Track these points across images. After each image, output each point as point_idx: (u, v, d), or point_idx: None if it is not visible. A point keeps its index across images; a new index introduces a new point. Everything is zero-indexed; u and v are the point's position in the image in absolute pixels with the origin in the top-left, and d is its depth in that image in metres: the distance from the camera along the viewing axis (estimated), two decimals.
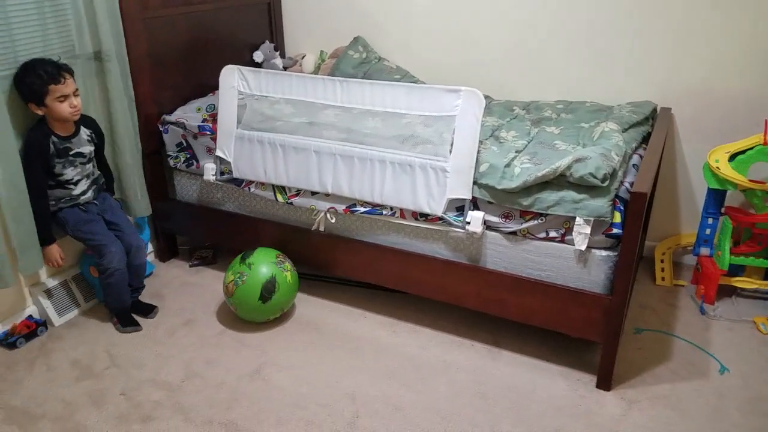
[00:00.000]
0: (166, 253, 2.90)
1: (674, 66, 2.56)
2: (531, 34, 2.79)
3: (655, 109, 2.54)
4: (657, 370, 2.13)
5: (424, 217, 2.19)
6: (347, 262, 2.42)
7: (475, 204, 2.11)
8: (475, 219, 2.08)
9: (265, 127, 2.39)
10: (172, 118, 2.62)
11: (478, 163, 2.07)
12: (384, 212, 2.25)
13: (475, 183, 2.07)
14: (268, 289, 2.26)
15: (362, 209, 2.29)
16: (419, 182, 2.13)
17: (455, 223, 2.12)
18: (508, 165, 2.05)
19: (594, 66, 2.72)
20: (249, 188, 2.50)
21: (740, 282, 2.48)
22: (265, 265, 2.30)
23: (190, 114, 2.63)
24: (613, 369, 2.00)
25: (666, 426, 1.88)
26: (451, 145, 2.08)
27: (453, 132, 2.08)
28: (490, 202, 2.07)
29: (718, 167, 2.32)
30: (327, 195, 2.35)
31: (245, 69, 2.43)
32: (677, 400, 1.99)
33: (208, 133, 2.54)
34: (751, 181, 2.30)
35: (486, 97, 2.80)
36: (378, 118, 2.26)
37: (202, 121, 2.57)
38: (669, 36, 2.53)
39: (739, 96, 2.47)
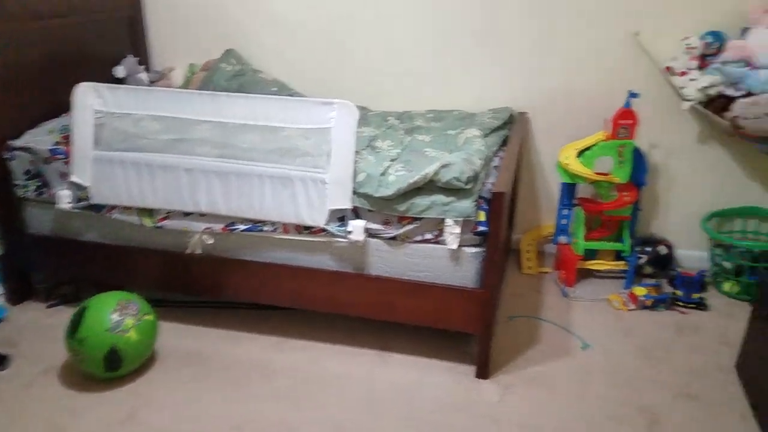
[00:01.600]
0: (19, 294, 2.65)
1: (528, 74, 2.85)
2: (403, 47, 2.96)
3: (512, 114, 2.82)
4: (529, 353, 2.37)
5: (307, 229, 2.25)
6: (230, 283, 2.41)
7: (356, 213, 2.21)
8: (357, 228, 2.18)
9: (128, 146, 2.31)
10: (18, 143, 2.43)
11: (355, 173, 2.17)
12: (265, 228, 2.28)
13: (354, 192, 2.17)
14: (112, 361, 2.08)
15: (242, 227, 2.30)
16: (300, 195, 2.20)
17: (338, 233, 2.21)
18: (383, 173, 2.17)
19: (459, 76, 2.94)
20: (111, 214, 2.39)
21: (595, 265, 2.83)
22: (99, 335, 2.04)
23: (40, 137, 2.45)
24: (489, 358, 2.20)
25: (538, 405, 2.10)
26: (329, 156, 2.17)
27: (330, 144, 2.17)
28: (370, 210, 2.18)
29: (567, 164, 2.62)
30: (202, 215, 2.32)
31: (102, 86, 2.33)
32: (547, 379, 2.23)
33: (61, 157, 2.39)
34: (596, 173, 2.63)
35: (362, 108, 2.94)
36: (256, 132, 2.28)
37: (55, 145, 2.41)
38: (522, 47, 2.81)
39: (582, 98, 2.81)
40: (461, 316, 2.19)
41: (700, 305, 2.63)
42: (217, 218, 2.32)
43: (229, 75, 2.97)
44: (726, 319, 2.55)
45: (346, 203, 2.17)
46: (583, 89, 2.80)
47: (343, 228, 2.21)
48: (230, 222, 2.31)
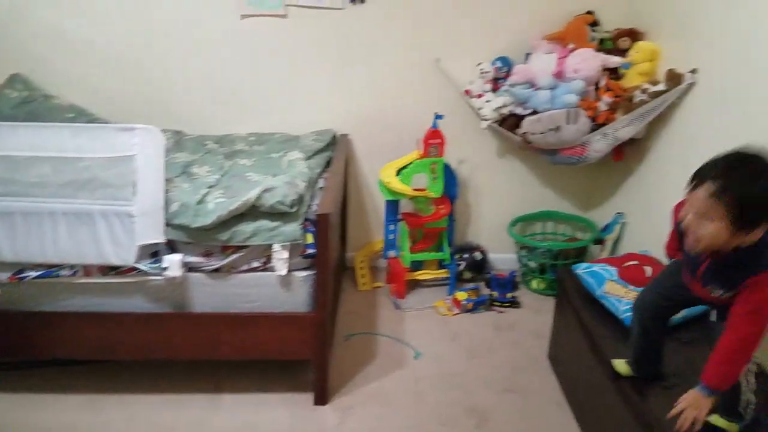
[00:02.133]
0: None
1: (345, 98, 2.71)
2: (221, 69, 2.65)
3: (334, 136, 2.65)
4: (366, 370, 2.19)
5: (114, 270, 1.84)
6: (25, 340, 1.89)
7: (171, 246, 1.86)
8: (173, 263, 1.83)
9: None
10: None
11: (168, 203, 1.83)
12: (63, 272, 1.83)
13: (168, 224, 1.83)
14: None
15: (34, 273, 1.82)
16: (102, 232, 1.79)
17: (151, 271, 1.84)
18: (200, 201, 1.86)
19: (280, 100, 2.71)
20: None
21: (422, 274, 2.76)
22: None
23: None
24: (326, 382, 1.99)
25: (377, 422, 1.93)
26: (135, 187, 1.79)
27: (135, 173, 1.80)
28: (187, 243, 1.85)
29: (389, 182, 2.52)
30: None
31: None
32: (384, 394, 2.06)
33: None
34: (414, 189, 2.57)
35: (177, 132, 2.57)
36: (47, 164, 1.83)
37: None
38: (339, 72, 2.67)
39: (397, 120, 2.73)
40: (296, 344, 1.94)
41: (514, 303, 2.67)
42: (3, 266, 1.82)
43: (15, 102, 2.40)
44: (536, 314, 2.61)
45: (158, 237, 1.81)
46: (397, 111, 2.73)
47: (156, 264, 1.84)
48: (18, 269, 1.82)
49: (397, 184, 2.52)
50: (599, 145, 2.40)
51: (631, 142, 2.42)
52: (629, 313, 1.76)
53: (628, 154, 2.54)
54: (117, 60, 2.60)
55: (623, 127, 2.32)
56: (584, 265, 2.09)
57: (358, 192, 2.90)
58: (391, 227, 2.70)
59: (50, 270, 1.82)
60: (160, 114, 2.61)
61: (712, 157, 1.21)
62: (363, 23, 2.59)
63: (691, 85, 2.11)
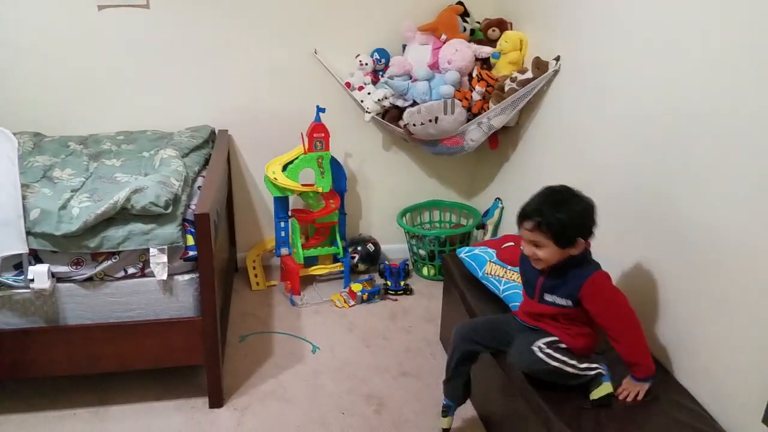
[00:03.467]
0: None
1: (222, 92, 2.69)
2: (83, 65, 2.53)
3: (213, 132, 2.63)
4: (263, 369, 2.22)
5: None
6: None
7: (36, 257, 1.77)
8: (39, 274, 1.74)
9: None
10: None
11: (26, 210, 1.73)
12: None
13: (29, 233, 1.73)
14: None
15: None
16: None
17: (16, 283, 1.74)
18: (64, 207, 1.78)
19: (149, 96, 2.64)
20: None
21: (316, 270, 2.82)
22: None
23: None
24: (220, 385, 1.99)
25: (277, 419, 1.97)
26: None
27: None
28: (53, 252, 1.77)
29: (275, 178, 2.55)
30: None
31: None
32: (283, 390, 2.11)
33: None
34: (303, 185, 2.61)
35: (35, 134, 2.43)
36: None
37: None
38: (214, 65, 2.65)
39: (278, 114, 2.76)
40: (184, 350, 1.93)
41: (407, 291, 2.81)
42: None
43: None
44: (428, 299, 2.77)
45: (19, 247, 1.72)
46: (277, 105, 2.76)
47: (21, 277, 1.74)
48: None
49: (283, 180, 2.56)
50: (475, 134, 2.56)
51: (505, 129, 2.61)
52: (509, 292, 1.94)
53: (502, 141, 2.73)
54: None
55: (496, 116, 2.47)
56: (466, 249, 2.20)
57: (244, 190, 2.89)
58: (282, 224, 2.73)
59: None
60: (15, 115, 2.45)
61: (530, 198, 1.59)
62: (234, 13, 2.58)
63: (555, 72, 2.28)
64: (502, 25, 2.66)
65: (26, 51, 2.47)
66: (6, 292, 1.76)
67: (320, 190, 2.64)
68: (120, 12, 2.49)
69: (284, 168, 2.62)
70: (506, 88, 2.43)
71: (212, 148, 2.50)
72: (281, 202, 2.70)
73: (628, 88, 1.85)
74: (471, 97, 2.57)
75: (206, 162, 2.37)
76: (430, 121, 2.53)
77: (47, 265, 1.76)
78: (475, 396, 1.94)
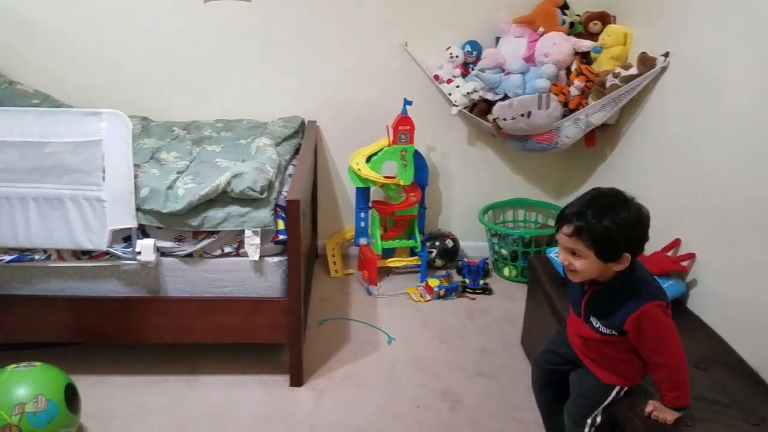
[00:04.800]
0: None
1: (314, 84, 2.91)
2: (186, 55, 2.83)
3: (303, 123, 2.85)
4: (340, 354, 2.40)
5: (87, 254, 2.01)
6: (1, 323, 2.06)
7: (143, 231, 2.03)
8: (146, 248, 2.01)
9: None
10: None
11: (137, 188, 2.00)
12: (36, 257, 1.99)
13: (139, 209, 2.00)
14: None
15: (7, 258, 1.98)
16: (73, 217, 1.95)
17: (124, 255, 2.01)
18: (170, 187, 2.03)
19: (247, 86, 2.90)
20: None
21: (393, 262, 2.98)
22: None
23: None
24: (301, 365, 2.19)
25: (352, 404, 2.14)
26: (103, 172, 1.96)
27: (103, 158, 1.96)
28: (159, 228, 2.03)
29: (359, 169, 2.72)
30: None
31: None
32: (359, 377, 2.27)
33: None
34: (385, 177, 2.77)
35: (143, 118, 2.74)
36: (13, 149, 1.98)
37: None
38: (305, 58, 2.86)
39: (365, 106, 2.95)
40: (269, 328, 2.14)
41: (486, 290, 2.90)
42: None
43: None
44: (508, 300, 2.85)
45: (130, 222, 1.99)
46: (365, 97, 2.94)
47: (129, 249, 2.01)
48: None
49: (366, 171, 2.73)
50: (571, 130, 2.61)
51: (604, 127, 2.63)
52: None
53: (600, 139, 2.75)
54: (81, 46, 2.77)
55: (595, 113, 2.50)
56: (556, 249, 2.26)
57: (327, 179, 3.10)
58: (362, 215, 2.90)
59: (23, 254, 1.98)
60: (126, 100, 2.76)
61: (574, 199, 1.50)
62: (330, 7, 2.78)
63: (663, 69, 2.28)
64: (605, 18, 2.68)
65: (136, 41, 2.79)
66: (115, 263, 2.03)
67: (402, 182, 2.79)
68: (223, 4, 2.75)
69: (368, 159, 2.79)
70: (608, 84, 2.45)
71: (302, 138, 2.72)
72: (362, 193, 2.87)
73: (747, 87, 1.83)
74: (568, 92, 2.60)
75: (296, 151, 2.58)
76: (522, 115, 2.60)
77: (153, 239, 2.02)
78: None
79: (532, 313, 2.40)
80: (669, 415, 1.48)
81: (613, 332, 1.49)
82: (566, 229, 1.43)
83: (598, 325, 1.52)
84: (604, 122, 2.57)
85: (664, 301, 1.46)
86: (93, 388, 2.11)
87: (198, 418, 2.02)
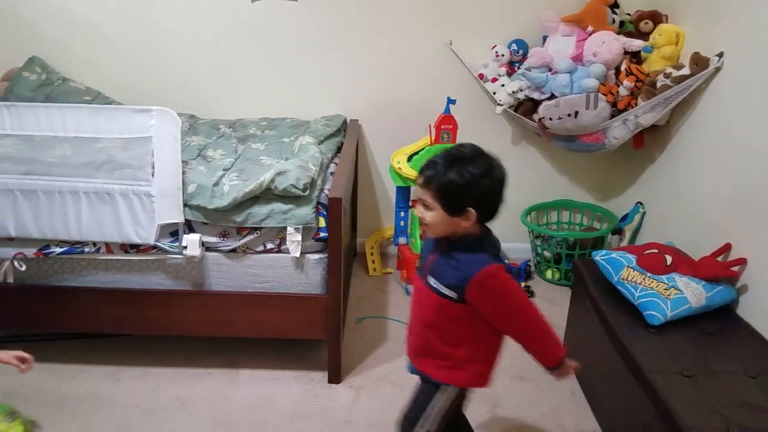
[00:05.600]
0: None
1: (356, 83, 2.96)
2: (232, 54, 2.92)
3: (345, 121, 2.90)
4: (377, 352, 2.44)
5: (135, 248, 2.11)
6: (50, 313, 2.18)
7: (189, 226, 2.12)
8: (192, 242, 2.09)
9: None
10: None
11: (185, 184, 2.08)
12: (86, 249, 2.10)
13: (186, 205, 2.08)
14: None
15: (59, 250, 2.09)
16: (123, 211, 2.05)
17: (171, 249, 2.10)
18: (216, 184, 2.11)
19: (291, 85, 2.97)
20: None
21: None
22: None
23: None
24: (339, 362, 2.24)
25: (391, 402, 2.17)
26: (153, 168, 2.05)
27: (152, 154, 2.05)
28: (204, 223, 2.11)
29: (400, 168, 2.75)
30: (11, 239, 2.08)
31: None
32: (397, 376, 2.31)
33: None
34: None
35: (191, 116, 2.83)
36: (66, 144, 2.11)
37: None
38: (348, 56, 2.92)
39: (407, 105, 2.98)
40: (308, 324, 2.19)
41: (527, 293, 2.89)
42: (29, 242, 2.09)
43: (34, 85, 2.69)
44: (550, 304, 2.84)
45: (177, 217, 2.07)
46: (408, 96, 2.98)
47: (176, 243, 2.10)
48: (44, 245, 2.10)
49: (408, 170, 2.75)
50: (619, 131, 2.58)
51: (653, 128, 2.59)
52: (645, 299, 1.96)
53: (649, 141, 2.72)
54: (130, 44, 2.89)
55: (645, 113, 2.48)
56: (603, 252, 2.23)
57: (368, 178, 3.14)
58: (402, 214, 2.93)
59: (74, 247, 2.09)
60: (173, 98, 2.88)
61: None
62: (374, 6, 2.82)
63: (717, 70, 2.24)
64: (656, 17, 2.65)
65: (185, 40, 2.89)
66: (162, 257, 2.12)
67: None
68: (270, 4, 2.83)
69: (409, 158, 2.81)
70: (658, 85, 2.42)
71: (344, 136, 2.77)
72: (403, 192, 2.90)
73: None
74: (617, 92, 2.59)
75: (338, 149, 2.64)
76: (569, 115, 2.59)
77: (199, 234, 2.11)
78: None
79: (576, 318, 2.39)
80: (556, 375, 1.49)
81: (453, 295, 1.42)
82: (419, 178, 1.42)
83: (437, 286, 1.45)
84: (653, 123, 2.53)
85: (503, 266, 1.45)
86: (138, 379, 2.22)
87: (238, 412, 2.10)
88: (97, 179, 2.04)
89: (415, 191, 1.44)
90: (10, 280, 2.11)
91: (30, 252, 2.08)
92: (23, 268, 2.11)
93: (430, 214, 1.41)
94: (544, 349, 1.50)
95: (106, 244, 2.10)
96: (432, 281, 1.46)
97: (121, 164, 2.05)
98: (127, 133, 2.08)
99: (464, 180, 1.35)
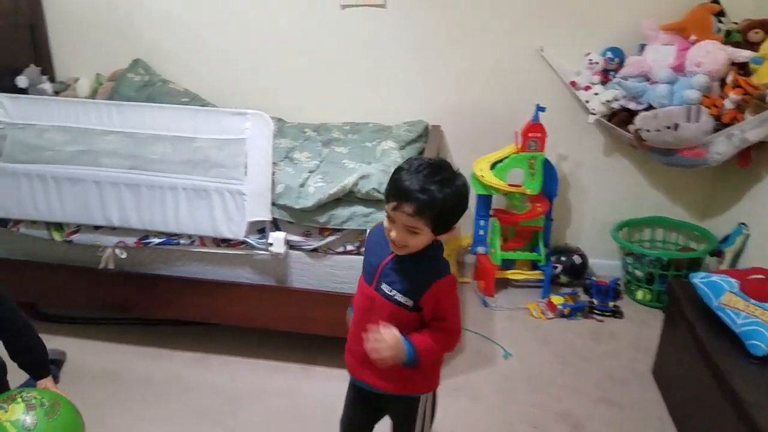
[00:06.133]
0: None
1: (440, 88, 2.99)
2: (320, 60, 3.03)
3: (427, 127, 2.93)
4: (453, 363, 2.43)
5: (225, 242, 2.23)
6: (146, 299, 2.35)
7: (276, 225, 2.21)
8: (278, 240, 2.18)
9: (32, 158, 2.24)
10: None
11: (274, 184, 2.18)
12: (182, 241, 2.25)
13: (273, 204, 2.18)
14: None
15: (156, 240, 2.25)
16: (217, 207, 2.17)
17: (258, 245, 2.20)
18: (302, 185, 2.19)
19: (374, 90, 3.04)
20: (18, 228, 2.31)
21: (512, 274, 2.95)
22: None
23: None
24: None
25: (466, 415, 2.16)
26: (245, 168, 2.16)
27: (246, 155, 2.16)
28: (290, 222, 2.20)
29: (482, 176, 2.74)
30: (113, 228, 2.26)
31: (2, 96, 2.28)
32: (472, 389, 2.29)
33: None
34: (510, 185, 2.77)
35: (279, 119, 2.96)
36: (167, 142, 2.27)
37: None
38: (433, 62, 2.95)
39: (493, 112, 2.97)
40: None
41: (616, 313, 2.79)
42: (130, 232, 2.27)
43: (138, 85, 2.93)
44: (640, 326, 2.72)
45: (265, 215, 2.17)
46: (493, 103, 2.96)
47: (263, 240, 2.20)
48: (144, 235, 2.26)
49: (491, 178, 2.73)
50: (723, 147, 2.45)
51: (760, 145, 2.46)
52: (748, 327, 1.85)
53: (755, 158, 2.56)
54: (226, 50, 3.07)
55: (752, 129, 2.35)
56: (702, 274, 2.12)
57: None
58: (482, 223, 2.91)
59: (171, 238, 2.25)
60: (262, 101, 3.01)
61: (404, 171, 1.37)
62: (463, 12, 2.84)
63: None
64: (767, 26, 2.49)
65: (275, 45, 3.04)
66: (249, 252, 2.23)
67: (528, 191, 2.76)
68: (360, 11, 2.92)
69: (492, 166, 2.79)
70: None
71: (425, 142, 2.79)
72: (484, 201, 2.88)
73: None
74: (722, 104, 2.46)
75: (419, 155, 2.66)
76: (668, 127, 2.48)
77: (284, 233, 2.20)
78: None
79: (669, 342, 2.28)
80: (388, 352, 1.36)
81: (409, 302, 1.41)
82: (408, 207, 1.33)
83: (393, 293, 1.42)
84: (761, 139, 2.39)
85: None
86: (221, 367, 2.34)
87: (313, 406, 2.16)
88: (194, 176, 2.18)
89: (397, 216, 1.35)
90: (111, 266, 2.30)
91: (130, 241, 2.26)
92: (123, 256, 2.29)
93: (417, 239, 1.37)
94: (430, 359, 1.46)
95: (200, 237, 2.24)
96: (386, 289, 1.44)
97: (216, 163, 2.18)
98: (223, 134, 2.21)
99: (458, 199, 1.36)
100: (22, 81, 2.90)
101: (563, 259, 2.97)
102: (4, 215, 2.27)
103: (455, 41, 2.90)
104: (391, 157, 2.38)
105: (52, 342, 2.41)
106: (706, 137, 2.47)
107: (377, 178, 2.13)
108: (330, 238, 2.19)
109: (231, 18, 3.01)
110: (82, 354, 2.38)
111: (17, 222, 2.30)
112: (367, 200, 2.14)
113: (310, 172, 2.32)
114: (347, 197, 2.15)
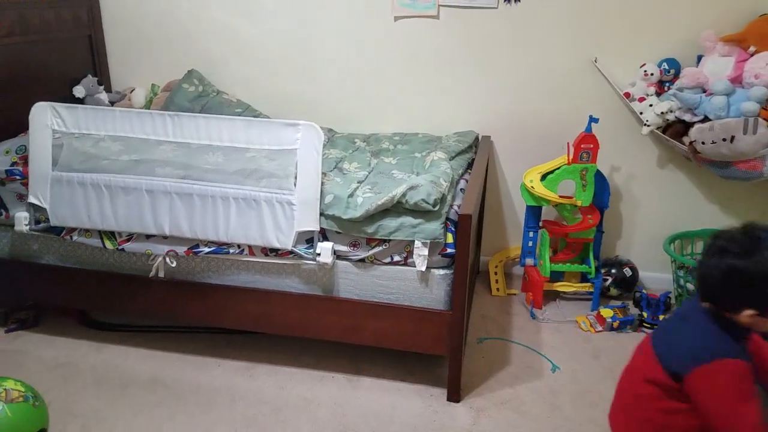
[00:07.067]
0: None
1: (490, 99, 3.00)
2: (370, 71, 3.08)
3: (477, 138, 2.94)
4: (500, 375, 2.44)
5: (274, 252, 2.28)
6: (194, 308, 2.42)
7: (323, 235, 2.26)
8: (325, 250, 2.23)
9: (88, 167, 2.33)
10: None
11: (323, 194, 2.23)
12: (231, 250, 2.31)
13: (321, 214, 2.22)
14: None
15: (206, 249, 2.32)
16: (266, 217, 2.23)
17: (306, 255, 2.25)
18: (351, 195, 2.23)
19: (424, 101, 3.07)
20: (71, 237, 2.41)
21: (561, 286, 2.93)
22: None
23: None
24: (460, 380, 2.26)
25: (511, 428, 2.17)
26: (296, 178, 2.21)
27: (296, 165, 2.21)
28: (337, 232, 2.24)
29: (532, 186, 2.74)
30: (165, 237, 2.34)
31: (59, 105, 2.35)
32: (519, 401, 2.29)
33: (18, 177, 2.40)
34: (560, 197, 2.76)
35: (329, 130, 3.01)
36: (219, 153, 2.33)
37: (11, 165, 2.42)
38: (485, 72, 2.96)
39: (545, 122, 2.96)
40: (431, 339, 2.24)
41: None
42: (181, 240, 2.34)
43: (192, 96, 3.01)
44: None
45: (314, 225, 2.21)
46: (546, 113, 2.95)
47: (311, 250, 2.24)
48: (194, 244, 2.33)
49: (541, 189, 2.73)
50: None
51: None
52: None
53: None
54: (277, 60, 3.14)
55: None
56: None
57: (496, 195, 3.15)
58: (531, 234, 2.91)
59: (221, 247, 2.31)
60: (313, 112, 3.10)
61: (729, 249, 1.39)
62: (516, 22, 2.85)
63: None
64: None
65: (326, 57, 3.10)
66: (297, 262, 2.28)
67: (579, 203, 2.74)
68: (412, 22, 2.96)
69: (543, 177, 2.79)
70: None
71: (475, 152, 2.80)
72: (533, 212, 2.88)
73: None
74: None
75: (469, 165, 2.68)
76: (725, 140, 2.44)
77: (332, 243, 2.24)
78: None
79: None
80: None
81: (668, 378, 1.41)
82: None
83: (655, 360, 1.46)
84: None
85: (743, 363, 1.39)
86: (268, 376, 2.40)
87: (359, 418, 2.19)
88: (246, 186, 2.24)
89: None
90: (161, 274, 2.38)
91: (181, 250, 2.33)
92: (174, 265, 2.36)
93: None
94: None
95: (249, 247, 2.30)
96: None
97: (267, 173, 2.24)
98: (275, 145, 2.26)
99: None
100: (79, 91, 3.03)
101: (613, 271, 2.94)
102: (58, 223, 2.37)
103: (507, 52, 2.90)
104: (440, 167, 2.39)
105: (102, 350, 2.54)
106: (763, 150, 2.43)
107: (426, 189, 2.15)
108: (377, 249, 2.22)
109: (283, 30, 3.08)
110: (131, 362, 2.47)
111: (71, 230, 2.40)
112: (416, 211, 2.16)
113: (359, 182, 2.35)
114: (395, 208, 2.17)
